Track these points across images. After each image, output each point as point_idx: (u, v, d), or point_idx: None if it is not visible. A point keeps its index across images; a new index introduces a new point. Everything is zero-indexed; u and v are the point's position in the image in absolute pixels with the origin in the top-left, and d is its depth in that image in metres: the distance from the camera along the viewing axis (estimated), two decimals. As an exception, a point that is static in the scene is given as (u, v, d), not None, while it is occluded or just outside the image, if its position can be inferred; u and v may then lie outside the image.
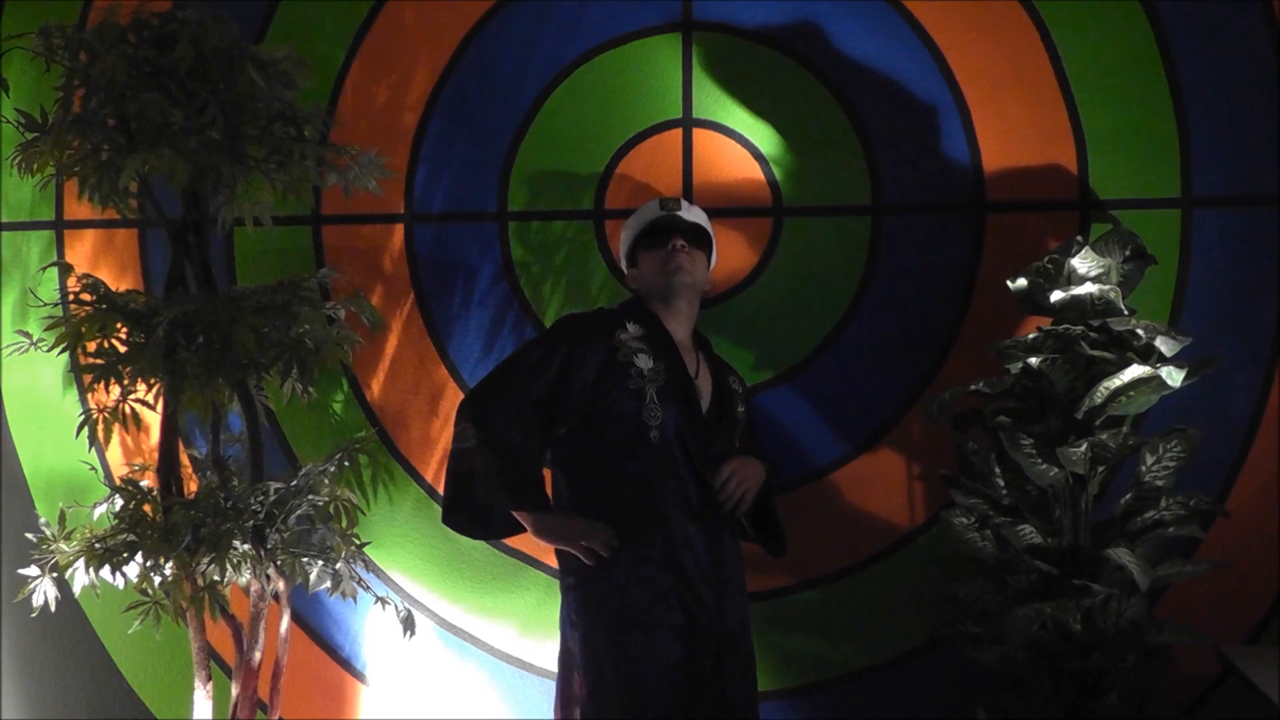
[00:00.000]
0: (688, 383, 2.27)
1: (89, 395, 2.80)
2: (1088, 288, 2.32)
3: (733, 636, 2.24)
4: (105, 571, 2.33)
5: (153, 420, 2.57)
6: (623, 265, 2.47)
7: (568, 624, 2.27)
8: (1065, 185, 2.65)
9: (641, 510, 2.20)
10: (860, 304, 2.70)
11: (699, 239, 2.37)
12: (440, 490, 2.81)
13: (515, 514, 2.22)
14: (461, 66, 2.80)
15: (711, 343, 2.50)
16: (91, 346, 2.31)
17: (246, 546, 2.34)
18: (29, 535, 2.56)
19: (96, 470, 2.75)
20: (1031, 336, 2.36)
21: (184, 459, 2.50)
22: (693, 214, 2.40)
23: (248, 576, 2.39)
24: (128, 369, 2.30)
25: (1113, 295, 2.32)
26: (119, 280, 2.87)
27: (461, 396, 2.78)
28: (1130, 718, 2.27)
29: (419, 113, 2.80)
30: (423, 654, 2.83)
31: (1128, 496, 2.38)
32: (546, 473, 2.29)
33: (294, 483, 2.44)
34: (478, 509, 2.25)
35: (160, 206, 2.46)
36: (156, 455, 2.48)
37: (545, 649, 2.78)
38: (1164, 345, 2.30)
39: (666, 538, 2.19)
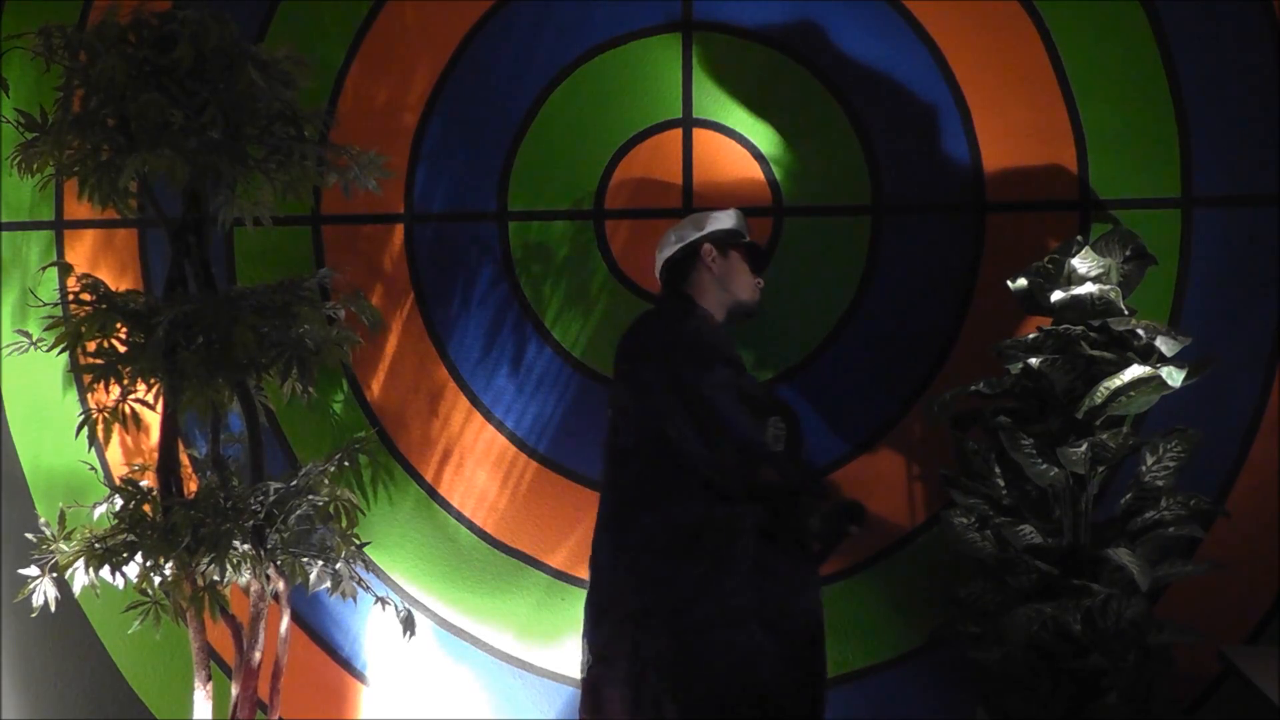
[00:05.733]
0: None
1: (89, 395, 2.80)
2: (1088, 288, 2.32)
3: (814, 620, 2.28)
4: (105, 571, 2.33)
5: (153, 420, 2.57)
6: (700, 241, 2.40)
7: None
8: (1065, 185, 2.65)
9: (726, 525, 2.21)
10: (860, 304, 2.70)
11: None
12: (440, 490, 2.82)
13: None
14: (461, 66, 2.80)
15: None
16: (91, 346, 2.31)
17: (246, 546, 2.34)
18: (29, 535, 2.55)
19: (96, 470, 2.75)
20: (1031, 336, 2.36)
21: (184, 459, 2.50)
22: None
23: (248, 576, 2.39)
24: (128, 369, 2.30)
25: (1113, 295, 2.31)
26: (119, 280, 2.87)
27: (461, 397, 2.80)
28: (1130, 718, 2.27)
29: (419, 113, 2.80)
30: (423, 654, 2.82)
31: (1128, 496, 2.38)
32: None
33: (294, 483, 2.44)
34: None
35: (160, 206, 2.46)
36: (156, 455, 2.48)
37: (545, 650, 2.78)
38: (1164, 345, 2.30)
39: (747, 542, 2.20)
